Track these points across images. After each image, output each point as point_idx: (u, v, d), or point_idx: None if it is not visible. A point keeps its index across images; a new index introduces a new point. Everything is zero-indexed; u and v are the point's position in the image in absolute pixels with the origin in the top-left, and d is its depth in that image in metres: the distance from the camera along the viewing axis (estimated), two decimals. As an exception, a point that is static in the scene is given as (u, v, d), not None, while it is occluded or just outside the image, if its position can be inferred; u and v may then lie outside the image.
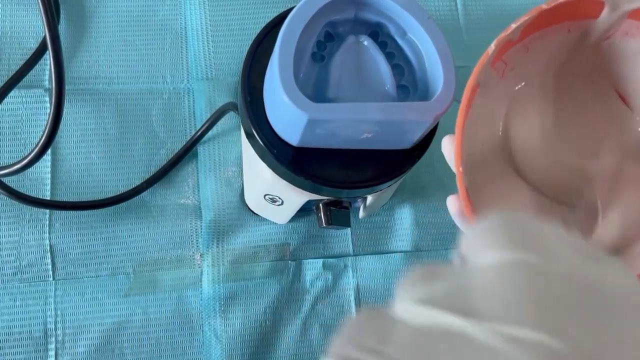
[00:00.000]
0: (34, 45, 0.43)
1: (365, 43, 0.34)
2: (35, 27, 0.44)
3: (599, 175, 0.32)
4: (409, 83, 0.34)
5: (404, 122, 0.31)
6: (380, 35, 0.35)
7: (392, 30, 0.34)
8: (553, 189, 0.32)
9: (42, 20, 0.32)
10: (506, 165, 0.33)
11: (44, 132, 0.33)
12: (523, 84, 0.32)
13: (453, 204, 0.30)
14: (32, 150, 0.33)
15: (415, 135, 0.33)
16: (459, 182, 0.28)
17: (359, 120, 0.31)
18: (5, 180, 0.39)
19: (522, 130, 0.32)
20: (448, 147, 0.30)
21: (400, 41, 0.34)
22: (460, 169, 0.28)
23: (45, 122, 0.42)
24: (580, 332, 0.13)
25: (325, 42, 0.35)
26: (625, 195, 0.31)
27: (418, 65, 0.33)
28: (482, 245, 0.16)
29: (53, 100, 0.31)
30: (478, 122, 0.30)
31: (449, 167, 0.30)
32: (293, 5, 0.32)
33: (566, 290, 0.14)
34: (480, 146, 0.32)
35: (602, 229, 0.31)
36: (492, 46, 0.28)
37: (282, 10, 0.46)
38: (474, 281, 0.15)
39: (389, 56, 0.34)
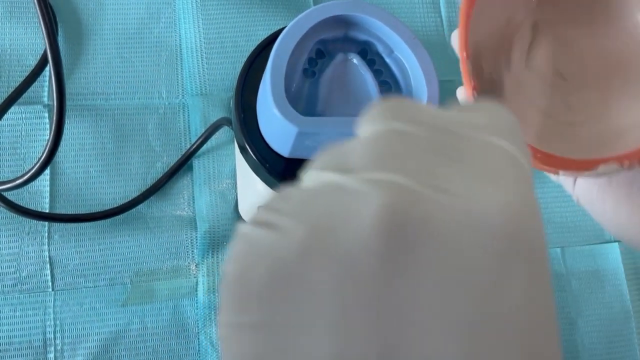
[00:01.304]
0: (33, 62, 0.44)
1: (354, 60, 0.35)
2: (34, 44, 0.45)
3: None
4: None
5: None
6: (368, 53, 0.36)
7: (380, 48, 0.36)
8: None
9: (43, 36, 0.33)
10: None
11: (44, 149, 0.34)
12: None
13: (462, 92, 0.32)
14: (33, 166, 0.35)
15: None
16: (462, 68, 0.29)
17: (346, 134, 0.33)
18: (5, 193, 0.40)
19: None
20: (456, 37, 0.31)
21: (387, 59, 0.36)
22: (464, 53, 0.29)
23: (45, 137, 0.44)
24: (427, 170, 0.17)
25: (316, 58, 0.36)
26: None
27: (404, 82, 0.35)
28: (365, 122, 0.19)
29: (54, 118, 0.33)
30: (485, 11, 0.31)
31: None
32: (285, 26, 0.34)
33: (422, 142, 0.17)
34: (489, 36, 0.32)
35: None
36: None
37: (272, 28, 0.47)
38: (353, 148, 0.18)
39: (377, 73, 0.36)
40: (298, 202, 0.17)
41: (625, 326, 0.48)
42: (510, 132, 0.19)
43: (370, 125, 0.19)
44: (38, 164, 0.34)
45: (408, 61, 0.34)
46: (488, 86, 0.31)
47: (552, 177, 0.30)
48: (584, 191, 0.32)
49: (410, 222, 0.15)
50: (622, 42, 0.32)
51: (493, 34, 0.33)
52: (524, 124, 0.32)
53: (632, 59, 0.31)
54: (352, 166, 0.17)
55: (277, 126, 0.33)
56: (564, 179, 0.32)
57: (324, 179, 0.17)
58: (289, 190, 0.18)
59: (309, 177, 0.18)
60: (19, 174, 0.42)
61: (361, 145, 0.18)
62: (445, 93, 0.32)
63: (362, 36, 0.35)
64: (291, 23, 0.33)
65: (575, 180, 0.32)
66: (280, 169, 0.35)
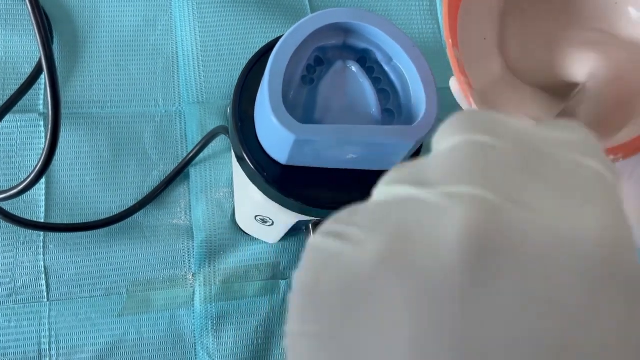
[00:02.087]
0: (28, 70, 0.44)
1: (353, 68, 0.35)
2: (29, 52, 0.45)
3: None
4: (394, 107, 0.35)
5: (387, 145, 0.33)
6: (367, 61, 0.36)
7: (379, 56, 0.35)
8: (545, 83, 0.33)
9: (38, 45, 0.33)
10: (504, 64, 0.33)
11: (40, 158, 0.33)
12: None
13: (454, 83, 0.31)
14: (29, 176, 0.34)
15: (399, 157, 0.34)
16: (450, 55, 0.29)
17: (344, 142, 0.32)
18: (0, 203, 0.39)
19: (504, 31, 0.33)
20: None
21: (386, 67, 0.35)
22: (449, 40, 0.28)
23: (40, 146, 0.43)
24: (513, 186, 0.15)
25: (315, 66, 0.36)
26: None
27: (403, 91, 0.35)
28: (442, 134, 0.18)
29: (49, 128, 0.32)
30: (471, 10, 0.30)
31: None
32: (282, 33, 0.34)
33: (507, 157, 0.16)
34: (482, 40, 0.32)
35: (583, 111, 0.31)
36: None
37: (269, 35, 0.47)
38: (430, 162, 0.17)
39: (376, 81, 0.35)
40: (371, 215, 0.16)
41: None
42: (596, 151, 0.17)
43: (449, 136, 0.18)
44: (33, 174, 0.34)
45: (407, 69, 0.34)
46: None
47: None
48: None
49: (497, 240, 0.14)
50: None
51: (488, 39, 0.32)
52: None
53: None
54: (430, 180, 0.16)
55: (274, 134, 0.33)
56: None
57: (398, 193, 0.16)
58: (358, 205, 0.17)
59: (380, 192, 0.17)
60: (14, 183, 0.41)
61: (440, 158, 0.17)
62: (444, 101, 0.32)
63: (361, 44, 0.35)
64: (290, 30, 0.33)
65: None
66: (277, 178, 0.35)
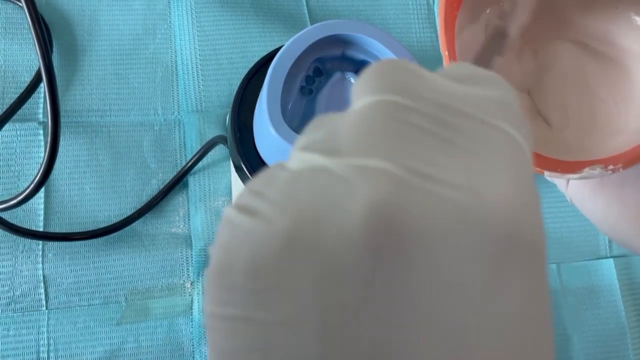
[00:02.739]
0: (28, 78, 0.44)
1: (352, 80, 0.35)
2: (29, 61, 0.45)
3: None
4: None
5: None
6: (365, 72, 0.36)
7: (376, 68, 0.36)
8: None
9: (37, 54, 0.33)
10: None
11: (39, 169, 0.34)
12: None
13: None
14: (28, 187, 0.34)
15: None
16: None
17: None
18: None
19: None
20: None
21: (383, 78, 0.36)
22: (446, 53, 0.28)
23: (39, 154, 0.43)
24: (423, 156, 0.15)
25: (314, 77, 0.36)
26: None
27: (400, 102, 0.35)
28: (359, 89, 0.17)
29: (49, 139, 0.32)
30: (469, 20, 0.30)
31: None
32: (280, 43, 0.34)
33: (419, 120, 0.16)
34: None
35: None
36: None
37: (268, 45, 0.48)
38: (345, 123, 0.17)
39: (373, 92, 0.36)
40: (283, 188, 0.16)
41: (621, 342, 0.48)
42: (515, 116, 0.17)
43: (363, 94, 0.17)
44: (33, 185, 0.34)
45: (404, 81, 0.35)
46: None
47: (546, 175, 0.30)
48: (576, 191, 0.32)
49: (401, 219, 0.14)
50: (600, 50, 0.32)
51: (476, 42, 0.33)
52: None
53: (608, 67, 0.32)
54: (341, 147, 0.16)
55: (272, 144, 0.33)
56: (557, 180, 0.33)
57: (311, 161, 0.16)
58: (274, 171, 0.17)
59: (295, 158, 0.17)
60: (13, 191, 0.42)
61: (353, 120, 0.17)
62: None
63: (360, 55, 0.36)
64: (289, 41, 0.33)
65: (568, 181, 0.32)
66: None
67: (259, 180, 0.17)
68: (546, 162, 0.28)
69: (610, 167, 0.26)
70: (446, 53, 0.29)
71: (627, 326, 0.48)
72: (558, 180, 0.33)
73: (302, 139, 0.18)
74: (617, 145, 0.28)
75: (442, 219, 0.14)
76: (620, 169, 0.26)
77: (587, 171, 0.27)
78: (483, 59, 0.25)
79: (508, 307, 0.15)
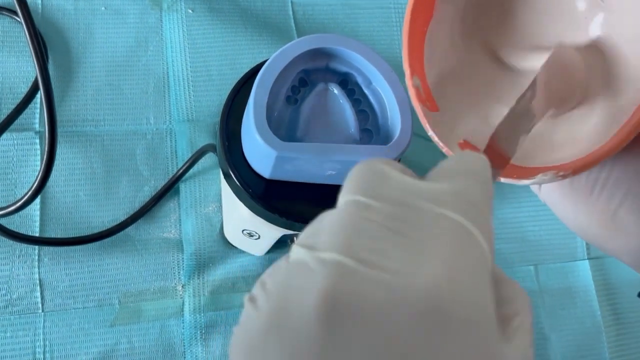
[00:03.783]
0: (24, 89, 0.46)
1: (335, 90, 0.37)
2: (25, 72, 0.47)
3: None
4: (373, 127, 0.37)
5: (363, 163, 0.35)
6: (348, 83, 0.38)
7: (359, 80, 0.37)
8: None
9: (35, 66, 0.34)
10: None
11: (36, 177, 0.35)
12: None
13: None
14: (25, 194, 0.36)
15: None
16: (408, 84, 0.30)
17: (323, 159, 0.34)
18: (-3, 218, 0.41)
19: None
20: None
21: (366, 90, 0.37)
22: (408, 70, 0.30)
23: (36, 162, 0.45)
24: (375, 249, 0.18)
25: (299, 87, 0.38)
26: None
27: (381, 112, 0.37)
28: (342, 191, 0.21)
29: (46, 149, 0.34)
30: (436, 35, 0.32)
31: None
32: (268, 56, 0.35)
33: (379, 217, 0.19)
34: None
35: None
36: None
37: (257, 57, 0.49)
38: (326, 222, 0.20)
39: (356, 102, 0.37)
40: (278, 279, 0.19)
41: (597, 340, 0.50)
42: (472, 209, 0.20)
43: (342, 194, 0.21)
44: (30, 193, 0.36)
45: (385, 93, 0.36)
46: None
47: (502, 180, 0.32)
48: (548, 195, 0.34)
49: (348, 304, 0.17)
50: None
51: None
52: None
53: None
54: (318, 243, 0.19)
55: (258, 150, 0.34)
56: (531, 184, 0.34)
57: (298, 254, 0.19)
58: (280, 262, 0.20)
59: (294, 250, 0.20)
60: (10, 198, 0.43)
61: (330, 219, 0.20)
62: (419, 122, 0.34)
63: (343, 68, 0.37)
64: (275, 54, 0.35)
65: (540, 185, 0.34)
66: (261, 194, 0.36)
67: (269, 270, 0.21)
68: (504, 170, 0.30)
69: (561, 173, 0.28)
70: (408, 71, 0.31)
71: (602, 325, 0.50)
72: (533, 186, 0.35)
73: (302, 233, 0.21)
74: (568, 153, 0.30)
75: (376, 300, 0.17)
76: (570, 175, 0.28)
77: (539, 177, 0.29)
78: (505, 138, 0.27)
79: None
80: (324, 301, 0.17)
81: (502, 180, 0.30)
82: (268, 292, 0.19)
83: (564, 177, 0.28)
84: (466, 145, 0.33)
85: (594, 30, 0.32)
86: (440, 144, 0.31)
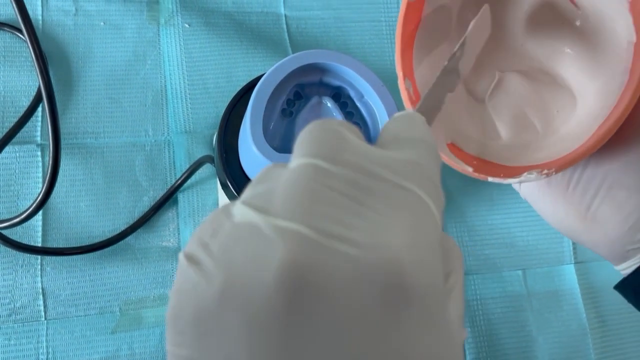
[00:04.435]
0: (26, 103, 0.47)
1: (328, 104, 0.38)
2: (27, 86, 0.48)
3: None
4: (364, 139, 0.39)
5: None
6: (341, 96, 0.39)
7: (352, 93, 0.39)
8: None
9: (38, 80, 0.35)
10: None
11: (40, 191, 0.36)
12: None
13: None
14: (30, 206, 0.37)
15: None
16: (401, 87, 0.32)
17: None
18: (1, 230, 0.42)
19: None
20: None
21: (358, 103, 0.39)
22: (400, 73, 0.31)
23: (38, 175, 0.46)
24: (335, 218, 0.17)
25: (294, 100, 0.39)
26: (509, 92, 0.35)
27: (372, 125, 0.38)
28: (294, 150, 0.20)
29: (49, 164, 0.35)
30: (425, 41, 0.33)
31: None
32: (263, 70, 0.37)
33: (338, 184, 0.18)
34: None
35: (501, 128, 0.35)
36: None
37: (252, 70, 0.50)
38: (279, 181, 0.19)
39: (348, 115, 0.39)
40: (223, 242, 0.18)
41: (582, 342, 0.51)
42: (426, 178, 0.19)
43: (296, 156, 0.19)
44: (34, 205, 0.37)
45: (376, 106, 0.38)
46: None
47: (489, 179, 0.33)
48: (528, 192, 0.35)
49: (309, 277, 0.16)
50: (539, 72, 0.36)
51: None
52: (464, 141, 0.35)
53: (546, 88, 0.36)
54: (272, 206, 0.18)
55: (255, 161, 0.36)
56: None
57: (247, 216, 0.18)
58: (221, 220, 0.19)
59: (237, 210, 0.19)
60: (13, 210, 0.44)
61: (284, 180, 0.19)
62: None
63: (336, 82, 0.39)
64: (271, 69, 0.36)
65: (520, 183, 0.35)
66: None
67: (207, 226, 0.19)
68: (490, 169, 0.32)
69: (545, 171, 0.29)
70: (401, 74, 0.32)
71: (588, 327, 0.51)
72: (514, 184, 0.36)
73: (247, 190, 0.20)
74: (550, 153, 0.31)
75: (339, 273, 0.17)
76: (554, 173, 0.29)
77: (525, 175, 0.30)
78: (434, 96, 0.28)
79: (405, 342, 0.17)
80: (286, 275, 0.16)
81: (490, 179, 0.31)
82: (215, 257, 0.18)
83: (548, 174, 0.29)
84: (452, 147, 0.35)
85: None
86: None
